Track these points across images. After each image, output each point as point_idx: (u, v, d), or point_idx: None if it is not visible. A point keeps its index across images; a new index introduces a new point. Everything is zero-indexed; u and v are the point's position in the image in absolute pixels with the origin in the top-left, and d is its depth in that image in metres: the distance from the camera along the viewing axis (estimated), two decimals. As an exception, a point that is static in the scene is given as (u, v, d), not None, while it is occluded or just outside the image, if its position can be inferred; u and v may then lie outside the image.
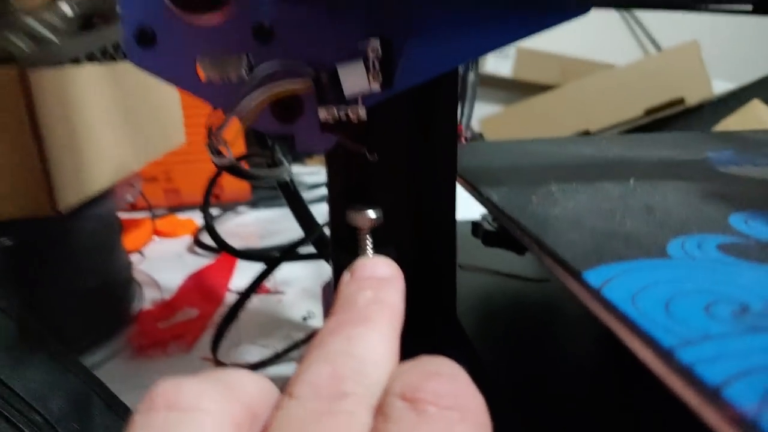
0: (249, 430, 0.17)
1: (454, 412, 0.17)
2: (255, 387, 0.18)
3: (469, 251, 0.47)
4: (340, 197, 0.31)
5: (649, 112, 1.27)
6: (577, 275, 0.22)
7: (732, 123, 1.14)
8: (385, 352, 0.20)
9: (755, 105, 1.15)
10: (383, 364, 0.19)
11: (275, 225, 0.89)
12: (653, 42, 1.57)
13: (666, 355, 0.16)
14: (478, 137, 1.40)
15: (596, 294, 0.20)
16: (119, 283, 0.58)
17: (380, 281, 0.23)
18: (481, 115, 1.45)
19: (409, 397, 0.17)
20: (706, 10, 0.26)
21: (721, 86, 1.30)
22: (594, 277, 0.21)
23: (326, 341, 0.20)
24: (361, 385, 0.18)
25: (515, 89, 1.57)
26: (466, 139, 0.45)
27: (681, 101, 1.26)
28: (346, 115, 0.26)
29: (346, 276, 0.23)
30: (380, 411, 0.17)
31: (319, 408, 0.17)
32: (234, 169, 0.31)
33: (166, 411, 0.16)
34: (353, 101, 0.26)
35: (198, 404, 0.17)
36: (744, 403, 0.14)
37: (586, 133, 1.29)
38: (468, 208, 0.36)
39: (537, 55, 1.49)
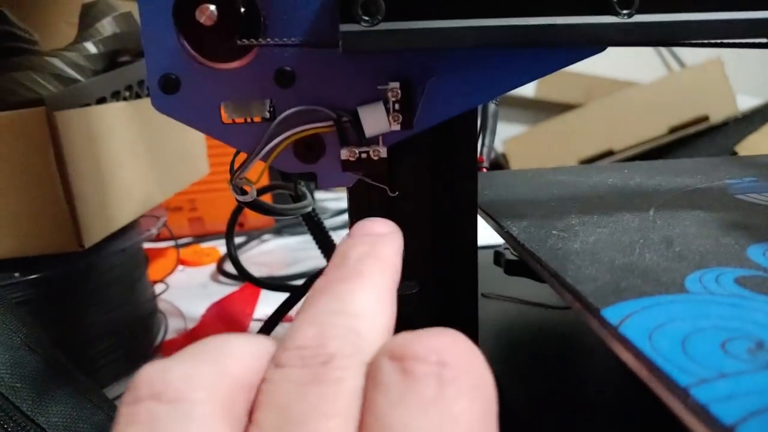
0: (244, 404, 0.16)
1: (448, 370, 0.15)
2: (248, 352, 0.17)
3: (492, 279, 0.47)
4: (361, 232, 0.32)
5: (673, 130, 1.26)
6: (595, 312, 0.22)
7: (757, 140, 1.13)
8: (378, 306, 0.18)
9: (780, 121, 1.14)
10: (376, 319, 0.18)
11: (300, 252, 0.89)
12: (677, 59, 1.56)
13: (681, 394, 0.17)
14: (501, 158, 1.40)
15: (614, 332, 0.20)
16: (144, 315, 0.58)
17: (376, 237, 0.22)
18: (505, 136, 1.44)
19: (398, 354, 0.16)
20: (721, 45, 0.27)
21: (746, 101, 1.29)
22: (612, 314, 0.21)
23: (314, 301, 0.18)
24: (349, 344, 0.17)
25: (538, 109, 1.56)
26: (486, 169, 0.46)
27: (705, 119, 1.25)
28: (367, 154, 0.27)
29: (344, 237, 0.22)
30: (370, 374, 0.16)
31: (304, 377, 0.16)
32: (257, 206, 0.32)
33: (153, 402, 0.15)
34: (374, 141, 0.27)
35: (185, 393, 0.15)
36: (757, 444, 0.14)
37: (610, 153, 1.28)
38: (491, 233, 0.36)
39: (560, 75, 1.48)
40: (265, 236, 0.98)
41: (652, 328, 0.20)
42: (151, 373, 0.16)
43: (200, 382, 0.16)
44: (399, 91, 0.26)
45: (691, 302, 0.22)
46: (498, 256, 0.44)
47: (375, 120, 0.26)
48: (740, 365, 0.17)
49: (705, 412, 0.16)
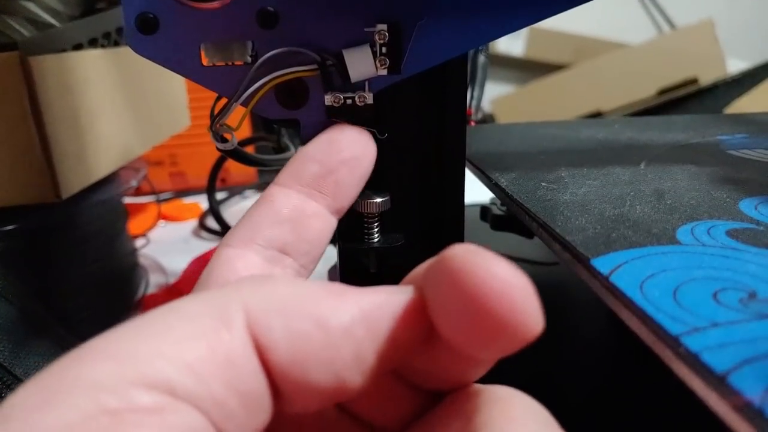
0: None
1: None
2: None
3: (478, 236, 0.47)
4: (346, 182, 0.31)
5: (662, 92, 1.25)
6: (585, 262, 0.21)
7: (745, 103, 1.13)
8: None
9: (769, 85, 1.13)
10: None
11: (283, 209, 0.88)
12: (668, 20, 1.55)
13: (673, 342, 0.16)
14: (489, 118, 1.39)
15: (604, 281, 0.20)
16: (124, 269, 0.57)
17: None
18: (493, 95, 1.43)
19: None
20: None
21: (735, 64, 1.28)
22: (602, 264, 0.21)
23: None
24: None
25: (527, 69, 1.55)
26: (476, 122, 0.45)
27: (694, 81, 1.24)
28: (353, 100, 0.26)
29: None
30: None
31: None
32: (238, 155, 0.31)
33: None
34: (360, 86, 0.26)
35: None
36: (749, 391, 0.14)
37: (598, 114, 1.27)
38: (477, 191, 0.36)
39: (549, 35, 1.47)
40: (247, 192, 0.96)
41: (643, 278, 0.20)
42: None
43: None
44: (387, 34, 0.25)
45: (683, 253, 0.21)
46: (485, 211, 0.43)
47: (361, 64, 0.25)
48: (733, 315, 0.17)
49: (697, 360, 0.15)
